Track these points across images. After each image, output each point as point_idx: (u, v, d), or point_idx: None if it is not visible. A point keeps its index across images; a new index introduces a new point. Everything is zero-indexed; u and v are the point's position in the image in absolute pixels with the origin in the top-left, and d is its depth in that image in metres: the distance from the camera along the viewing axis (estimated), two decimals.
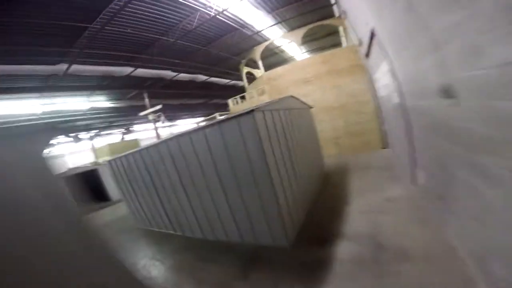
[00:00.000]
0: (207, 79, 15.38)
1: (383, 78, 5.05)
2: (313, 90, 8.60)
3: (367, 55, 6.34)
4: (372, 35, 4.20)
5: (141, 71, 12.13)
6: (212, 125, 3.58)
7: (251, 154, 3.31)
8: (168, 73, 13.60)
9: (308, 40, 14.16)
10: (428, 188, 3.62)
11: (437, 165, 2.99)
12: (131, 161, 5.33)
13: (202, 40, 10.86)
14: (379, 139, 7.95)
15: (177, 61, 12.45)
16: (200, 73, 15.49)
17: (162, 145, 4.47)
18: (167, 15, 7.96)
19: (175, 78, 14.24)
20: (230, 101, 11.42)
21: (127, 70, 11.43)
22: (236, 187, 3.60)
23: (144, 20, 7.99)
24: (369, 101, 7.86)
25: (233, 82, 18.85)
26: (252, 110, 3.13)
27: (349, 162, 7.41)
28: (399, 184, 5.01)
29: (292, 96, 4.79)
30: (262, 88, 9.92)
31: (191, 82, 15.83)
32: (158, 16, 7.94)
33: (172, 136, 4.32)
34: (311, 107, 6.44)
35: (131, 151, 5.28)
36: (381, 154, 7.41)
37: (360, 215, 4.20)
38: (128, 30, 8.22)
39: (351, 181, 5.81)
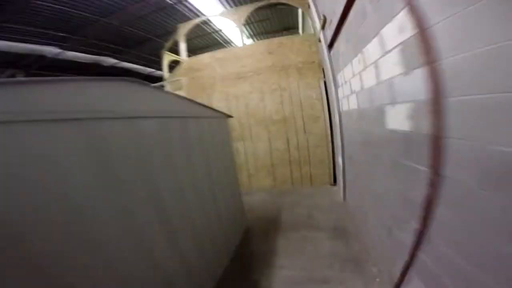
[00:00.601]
0: (116, 63, 11.37)
1: (361, 77, 2.60)
2: (249, 91, 5.91)
3: (332, 43, 3.95)
4: None
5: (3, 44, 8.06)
6: None
7: None
8: (51, 50, 9.40)
9: (259, 33, 11.70)
10: None
11: None
12: None
13: (96, 7, 7.34)
14: (328, 173, 5.72)
15: (61, 34, 8.49)
16: (111, 56, 11.46)
17: None
18: None
19: (68, 58, 10.11)
20: None
21: None
22: None
23: None
24: (321, 117, 5.57)
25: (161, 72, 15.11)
26: None
27: (284, 206, 4.88)
28: (366, 282, 2.55)
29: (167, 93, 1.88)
30: (179, 81, 6.80)
31: (97, 66, 11.57)
32: None
33: None
34: (229, 116, 3.65)
35: None
36: (329, 196, 5.10)
37: None
38: None
39: (279, 258, 3.18)
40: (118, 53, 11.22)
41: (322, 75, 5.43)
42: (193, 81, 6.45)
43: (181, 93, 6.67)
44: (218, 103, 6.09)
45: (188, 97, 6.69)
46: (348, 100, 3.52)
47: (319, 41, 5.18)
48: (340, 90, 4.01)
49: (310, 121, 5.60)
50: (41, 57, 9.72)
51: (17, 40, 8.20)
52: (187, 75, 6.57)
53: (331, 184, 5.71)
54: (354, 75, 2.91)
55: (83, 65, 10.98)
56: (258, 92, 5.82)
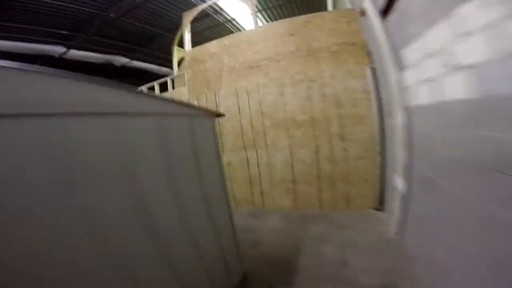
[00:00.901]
0: (128, 62, 10.70)
1: (489, 35, 1.06)
2: (263, 83, 4.51)
3: (387, 9, 2.46)
4: None
5: (10, 45, 7.79)
6: None
7: None
8: (58, 49, 9.04)
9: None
10: None
11: None
12: None
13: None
14: (372, 195, 4.10)
15: (64, 32, 7.99)
16: (124, 55, 10.90)
17: None
18: None
19: (76, 57, 9.70)
20: None
21: None
22: None
23: None
24: (367, 117, 4.00)
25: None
26: None
27: (305, 241, 3.33)
28: None
29: None
30: (182, 75, 5.65)
31: (109, 66, 11.04)
32: None
33: None
34: (217, 115, 2.29)
35: None
36: (374, 228, 3.49)
37: None
38: None
39: None
40: (129, 51, 10.55)
41: (369, 60, 3.87)
42: (197, 75, 5.22)
43: (184, 90, 5.50)
44: (226, 101, 4.78)
45: (191, 95, 5.55)
46: (430, 86, 1.97)
47: (362, 14, 3.65)
48: (410, 74, 2.47)
49: (351, 123, 4.03)
50: (49, 57, 9.34)
51: (22, 40, 7.79)
52: (190, 69, 5.37)
53: (376, 209, 4.10)
54: (457, 38, 1.38)
55: (95, 65, 10.48)
56: (276, 85, 4.39)
